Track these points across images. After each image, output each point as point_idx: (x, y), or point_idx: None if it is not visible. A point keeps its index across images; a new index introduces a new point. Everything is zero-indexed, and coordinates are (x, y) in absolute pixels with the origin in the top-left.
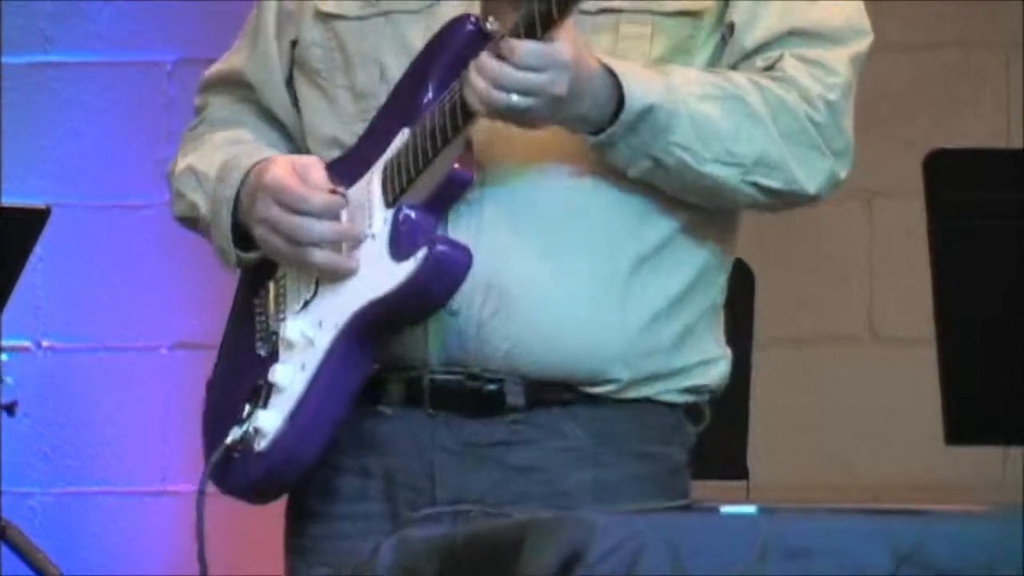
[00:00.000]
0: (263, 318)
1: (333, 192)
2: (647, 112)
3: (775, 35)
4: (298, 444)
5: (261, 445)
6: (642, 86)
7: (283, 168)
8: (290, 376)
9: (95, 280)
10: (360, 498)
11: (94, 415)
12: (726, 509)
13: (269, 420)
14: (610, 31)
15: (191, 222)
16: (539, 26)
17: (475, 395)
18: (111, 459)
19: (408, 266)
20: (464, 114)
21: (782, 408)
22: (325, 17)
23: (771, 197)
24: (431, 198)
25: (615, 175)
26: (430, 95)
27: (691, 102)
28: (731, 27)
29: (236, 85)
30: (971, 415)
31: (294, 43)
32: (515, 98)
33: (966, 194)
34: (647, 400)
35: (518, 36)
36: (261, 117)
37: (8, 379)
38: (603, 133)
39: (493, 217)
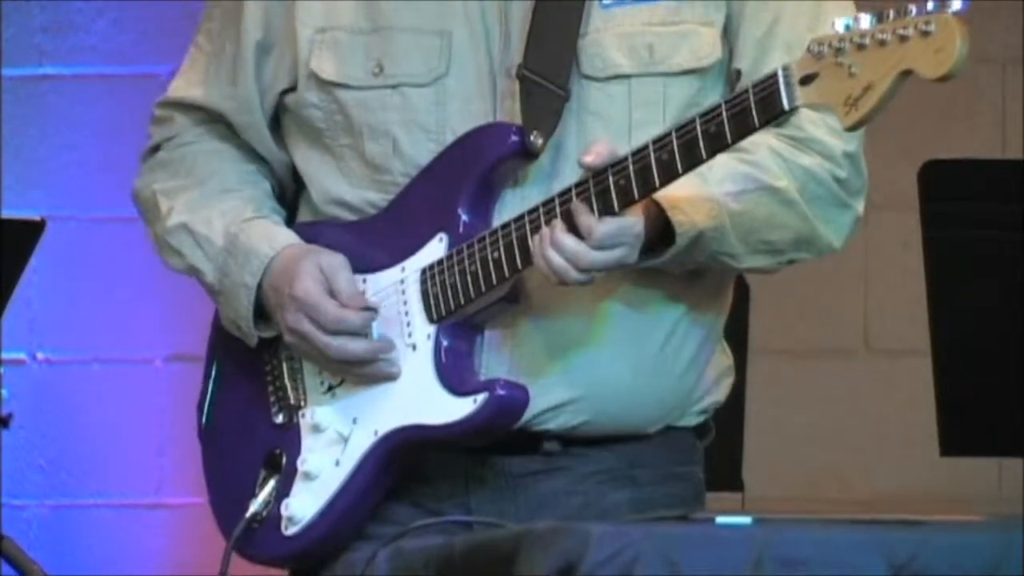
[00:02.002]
0: (279, 384)
1: (366, 309)
2: (697, 239)
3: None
4: (331, 534)
5: (291, 530)
6: (688, 214)
7: (311, 277)
8: (322, 469)
9: (90, 292)
10: (384, 520)
11: (89, 427)
12: (721, 519)
13: (301, 508)
14: (623, 100)
15: (188, 274)
16: (616, 202)
17: (511, 437)
18: (106, 471)
19: (466, 406)
20: (524, 259)
21: (777, 420)
22: (324, 83)
23: (801, 262)
24: (475, 316)
25: (632, 276)
26: (466, 204)
27: (730, 205)
28: (738, 74)
29: (211, 115)
30: (966, 426)
31: (284, 92)
32: (591, 274)
33: (961, 205)
34: (669, 427)
35: (589, 203)
36: (240, 151)
37: (3, 391)
38: (652, 261)
39: (528, 330)
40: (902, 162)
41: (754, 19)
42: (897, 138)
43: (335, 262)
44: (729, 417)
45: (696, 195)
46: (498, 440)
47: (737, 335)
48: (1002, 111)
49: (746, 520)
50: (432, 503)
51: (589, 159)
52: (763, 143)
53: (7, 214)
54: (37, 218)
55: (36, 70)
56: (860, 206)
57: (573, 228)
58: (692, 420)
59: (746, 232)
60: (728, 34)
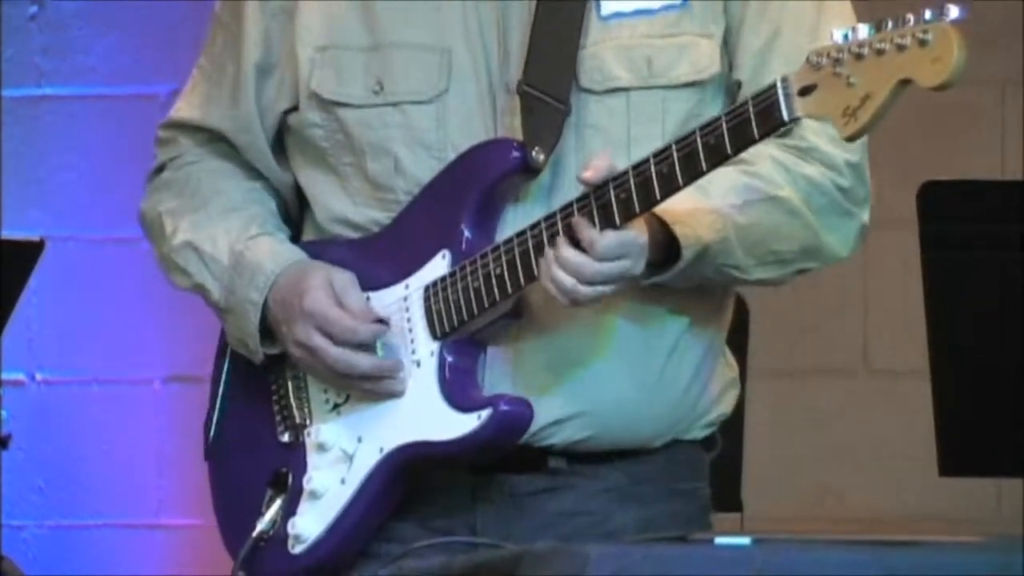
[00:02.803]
0: (284, 403)
1: (377, 321)
2: (703, 253)
3: None
4: (337, 552)
5: (297, 549)
6: (692, 228)
7: (322, 292)
8: (329, 487)
9: (89, 313)
10: (390, 539)
11: (88, 448)
12: (720, 540)
13: (307, 527)
14: (622, 113)
15: (194, 292)
16: (618, 216)
17: (516, 453)
18: (105, 492)
19: (470, 422)
20: (527, 275)
21: (777, 440)
22: (325, 103)
23: (809, 271)
24: (478, 332)
25: (635, 291)
26: (468, 221)
27: (735, 217)
28: (738, 85)
29: (213, 135)
30: (965, 447)
31: (286, 111)
32: (598, 289)
33: (959, 226)
34: (675, 441)
35: (590, 217)
36: (244, 170)
37: (2, 412)
38: (657, 277)
39: (531, 345)
40: (901, 182)
41: (753, 30)
42: (896, 159)
43: (345, 278)
44: (728, 437)
45: (699, 209)
46: (503, 456)
47: (736, 355)
48: (1001, 132)
49: (745, 541)
50: (438, 522)
51: (588, 175)
52: (765, 154)
53: (6, 235)
54: (36, 239)
55: (35, 91)
56: (865, 215)
57: (575, 242)
58: (699, 433)
59: (752, 244)
60: (727, 45)
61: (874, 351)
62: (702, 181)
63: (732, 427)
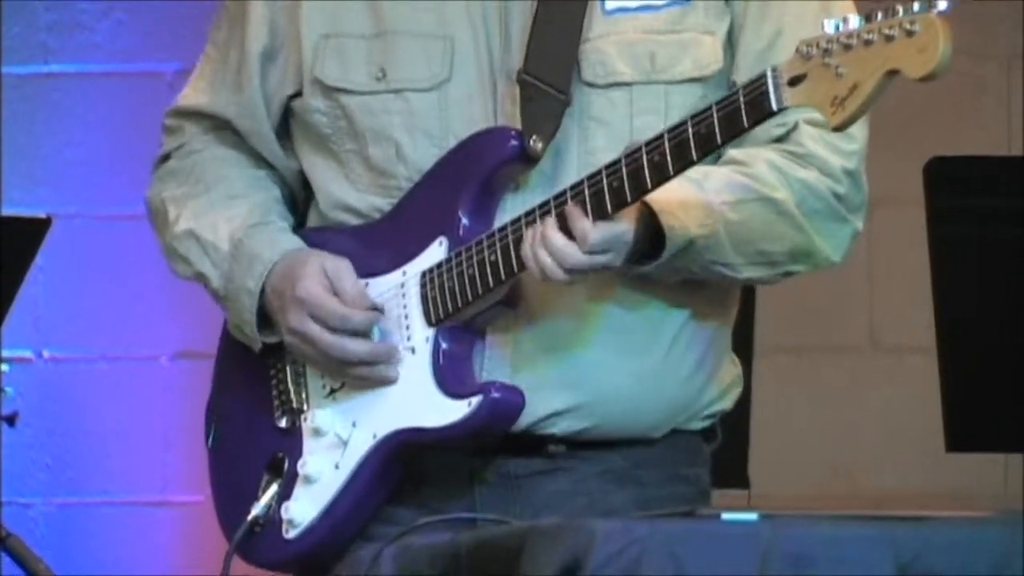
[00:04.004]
0: (282, 388)
1: (371, 308)
2: (688, 245)
3: None
4: (331, 537)
5: (291, 534)
6: (680, 219)
7: (315, 279)
8: (323, 472)
9: (95, 290)
10: (390, 521)
11: (95, 425)
12: (727, 516)
13: (300, 512)
14: (624, 106)
15: (195, 280)
16: (609, 204)
17: (515, 440)
18: (112, 469)
19: (461, 408)
20: (521, 262)
21: (783, 417)
22: (328, 89)
23: (800, 274)
24: (474, 320)
25: (634, 281)
26: (466, 208)
27: (726, 214)
28: (733, 85)
29: (218, 121)
30: (971, 423)
31: (291, 97)
32: (575, 276)
33: (965, 201)
34: (674, 431)
35: (583, 205)
36: (249, 158)
37: (9, 389)
38: (642, 266)
39: (529, 335)
40: (907, 158)
41: (756, 31)
42: (902, 134)
43: (340, 265)
44: (735, 414)
45: (691, 202)
46: (502, 443)
47: (743, 332)
48: (1007, 107)
49: (752, 516)
50: (437, 504)
51: None
52: (762, 156)
53: (12, 212)
54: (42, 216)
55: (41, 68)
56: (859, 222)
57: (567, 230)
58: (699, 424)
59: (742, 242)
60: (730, 43)
61: (880, 328)
62: (697, 176)
63: (739, 404)
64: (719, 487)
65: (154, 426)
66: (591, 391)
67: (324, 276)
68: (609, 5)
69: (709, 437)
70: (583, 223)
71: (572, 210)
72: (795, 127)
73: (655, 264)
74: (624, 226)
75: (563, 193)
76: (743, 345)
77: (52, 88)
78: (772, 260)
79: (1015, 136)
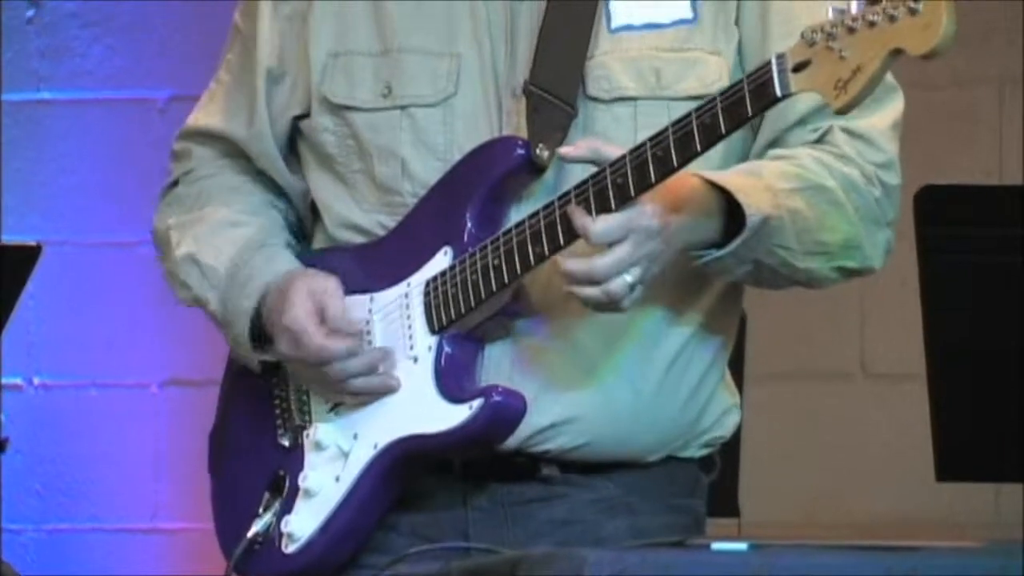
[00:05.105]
0: (285, 406)
1: (353, 332)
2: (762, 224)
3: (816, 105)
4: (330, 552)
5: (290, 548)
6: (753, 199)
7: (300, 307)
8: (323, 485)
9: (87, 317)
10: (382, 551)
11: (86, 452)
12: (717, 545)
13: (300, 526)
14: (629, 120)
15: (196, 305)
16: (613, 200)
17: (508, 464)
18: (103, 496)
19: (462, 412)
20: (524, 265)
21: (774, 444)
22: (335, 107)
23: (846, 276)
24: (478, 327)
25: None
26: (472, 217)
27: (787, 200)
28: None
29: (227, 144)
30: (962, 451)
31: (298, 118)
32: (614, 284)
33: (956, 229)
34: (671, 458)
35: (587, 206)
36: (256, 184)
37: (0, 416)
38: (720, 251)
39: (530, 348)
40: None
41: (782, 40)
42: None
43: (328, 285)
44: (725, 441)
45: (755, 185)
46: (496, 463)
47: (734, 358)
48: (999, 134)
49: (742, 547)
50: (431, 532)
51: (566, 149)
52: (804, 152)
53: (4, 239)
54: (34, 243)
55: (34, 95)
56: (892, 237)
57: (572, 233)
58: (696, 452)
59: (801, 230)
60: (745, 58)
61: (871, 355)
62: (754, 166)
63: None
64: (710, 516)
65: (144, 453)
66: (590, 405)
67: (309, 300)
68: (615, 23)
69: (707, 467)
70: (584, 219)
71: (573, 210)
72: (829, 130)
73: (732, 246)
74: (634, 211)
75: (567, 194)
76: (734, 371)
77: (44, 115)
78: (827, 250)
79: (1007, 161)
